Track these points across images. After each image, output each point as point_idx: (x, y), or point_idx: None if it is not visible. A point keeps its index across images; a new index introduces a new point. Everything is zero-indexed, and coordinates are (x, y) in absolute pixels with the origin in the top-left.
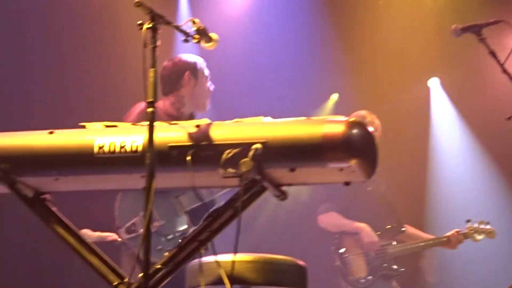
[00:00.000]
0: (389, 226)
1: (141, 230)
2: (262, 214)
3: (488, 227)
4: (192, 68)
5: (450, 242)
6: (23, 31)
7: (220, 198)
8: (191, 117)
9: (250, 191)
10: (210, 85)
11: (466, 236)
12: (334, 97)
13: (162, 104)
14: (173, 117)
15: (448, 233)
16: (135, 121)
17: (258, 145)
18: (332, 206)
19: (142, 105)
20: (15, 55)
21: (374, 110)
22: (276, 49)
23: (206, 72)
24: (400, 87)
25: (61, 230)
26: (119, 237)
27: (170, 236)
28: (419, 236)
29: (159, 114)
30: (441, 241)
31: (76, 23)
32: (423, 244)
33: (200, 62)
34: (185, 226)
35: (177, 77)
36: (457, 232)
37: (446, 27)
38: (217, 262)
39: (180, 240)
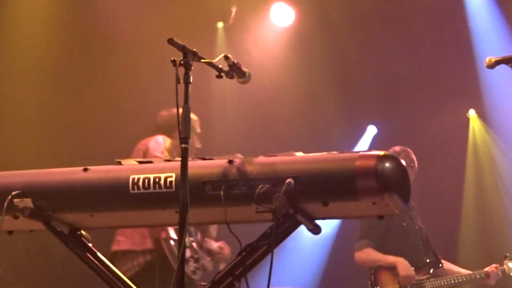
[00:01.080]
0: (428, 260)
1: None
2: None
3: None
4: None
5: (489, 278)
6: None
7: None
8: None
9: (283, 225)
10: (198, 144)
11: (504, 272)
12: (371, 129)
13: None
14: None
15: (487, 268)
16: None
17: (291, 180)
18: (368, 242)
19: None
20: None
21: (411, 143)
22: (315, 82)
23: (198, 130)
24: (439, 118)
25: (96, 265)
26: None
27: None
28: (457, 271)
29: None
30: (480, 276)
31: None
32: (461, 279)
33: (195, 120)
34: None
35: (171, 128)
36: (496, 267)
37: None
38: None
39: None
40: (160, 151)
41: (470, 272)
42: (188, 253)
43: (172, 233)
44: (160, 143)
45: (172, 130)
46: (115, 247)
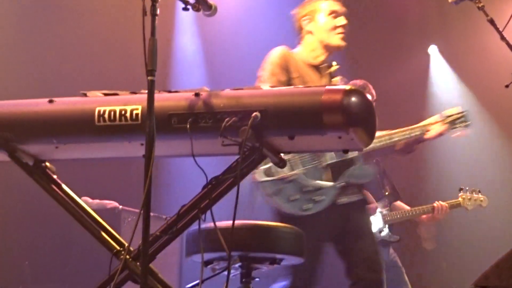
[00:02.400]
0: (387, 193)
1: (279, 175)
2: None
3: (480, 195)
4: (308, 13)
5: (433, 211)
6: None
7: (361, 156)
8: (329, 67)
9: (249, 159)
10: (335, 21)
11: (459, 204)
12: (334, 64)
13: (300, 52)
14: (311, 65)
15: (435, 203)
16: (278, 61)
17: (257, 113)
18: None
19: (276, 48)
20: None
21: (371, 79)
22: (276, 17)
23: (328, 8)
24: (399, 55)
25: (61, 197)
26: (255, 177)
27: (307, 189)
28: (406, 208)
29: (298, 63)
30: (428, 210)
31: None
32: (412, 213)
33: (319, 2)
34: (323, 182)
35: (298, 26)
36: (441, 203)
37: None
38: (216, 229)
39: (317, 195)
40: (265, 67)
41: (419, 207)
42: None
43: None
44: (268, 57)
45: (299, 27)
46: None
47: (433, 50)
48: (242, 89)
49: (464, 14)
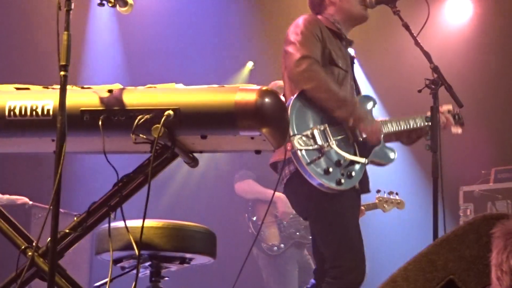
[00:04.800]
0: None
1: (319, 143)
2: (174, 180)
3: (397, 197)
4: None
5: None
6: None
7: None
8: (350, 41)
9: (161, 157)
10: None
11: (376, 206)
12: (249, 65)
13: (325, 20)
14: (337, 35)
15: None
16: (309, 31)
17: (170, 112)
18: (249, 173)
19: (309, 16)
20: None
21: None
22: (191, 16)
23: None
24: None
25: None
26: (290, 145)
27: (342, 161)
28: None
29: (326, 29)
30: None
31: None
32: None
33: None
34: (353, 155)
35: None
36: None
37: None
38: (126, 228)
39: (350, 170)
40: (295, 34)
41: None
42: None
43: None
44: (298, 24)
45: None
46: None
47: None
48: (155, 87)
49: (381, 17)
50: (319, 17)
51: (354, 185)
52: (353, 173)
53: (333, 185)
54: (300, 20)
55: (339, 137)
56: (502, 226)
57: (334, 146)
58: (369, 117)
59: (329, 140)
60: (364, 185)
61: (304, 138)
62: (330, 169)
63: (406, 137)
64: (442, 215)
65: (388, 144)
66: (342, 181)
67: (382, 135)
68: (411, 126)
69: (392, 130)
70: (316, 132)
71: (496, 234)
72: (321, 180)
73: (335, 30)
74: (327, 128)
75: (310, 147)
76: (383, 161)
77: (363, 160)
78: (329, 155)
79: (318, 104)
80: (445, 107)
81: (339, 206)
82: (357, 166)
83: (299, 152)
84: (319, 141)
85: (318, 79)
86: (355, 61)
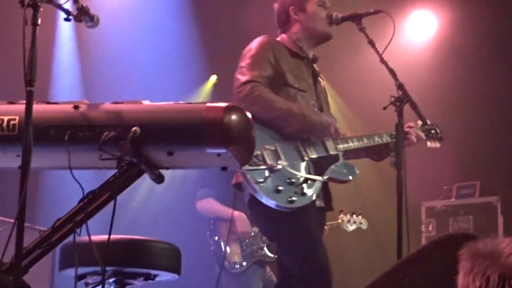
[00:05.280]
0: None
1: (268, 163)
2: (137, 195)
3: (360, 218)
4: (296, 2)
5: None
6: None
7: (344, 154)
8: (314, 59)
9: (127, 173)
10: (325, 11)
11: (339, 226)
12: (213, 79)
13: (287, 42)
14: (296, 54)
15: None
16: (260, 53)
17: (137, 128)
18: (210, 192)
19: (264, 37)
20: None
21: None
22: (155, 31)
23: None
24: None
25: None
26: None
27: (291, 180)
28: None
29: (285, 54)
30: None
31: None
32: None
33: None
34: (306, 173)
35: (285, 16)
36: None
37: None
38: (91, 244)
39: (303, 188)
40: (246, 58)
41: None
42: None
43: None
44: (251, 48)
45: (287, 17)
46: None
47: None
48: (122, 103)
49: (347, 34)
50: (282, 36)
51: (308, 202)
52: (306, 191)
53: (284, 203)
54: (254, 43)
55: (292, 156)
56: (469, 247)
57: (285, 165)
58: (323, 117)
59: (280, 160)
60: (327, 203)
61: (254, 159)
62: (280, 188)
63: (376, 154)
64: (407, 232)
65: (350, 161)
66: (294, 198)
67: (333, 129)
68: (375, 142)
69: (354, 146)
70: (266, 153)
71: (463, 255)
72: (271, 199)
73: (295, 50)
74: (278, 148)
75: (259, 167)
76: (342, 178)
77: (317, 177)
78: (280, 174)
79: (267, 125)
80: (420, 122)
81: (300, 224)
82: (311, 184)
83: (247, 172)
84: (269, 161)
85: (260, 102)
86: (321, 77)
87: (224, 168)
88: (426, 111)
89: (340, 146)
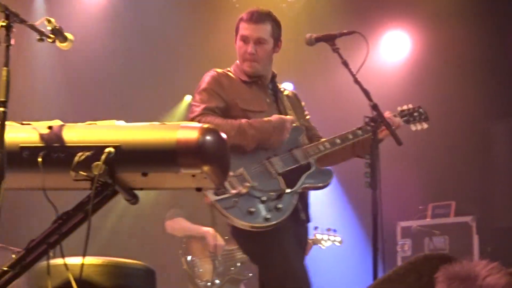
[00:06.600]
0: None
1: (232, 191)
2: (111, 216)
3: (335, 234)
4: (235, 30)
5: None
6: None
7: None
8: (272, 77)
9: (101, 194)
10: (244, 47)
11: (314, 242)
12: (187, 98)
13: (235, 68)
14: (244, 82)
15: None
16: (209, 87)
17: (111, 149)
18: (179, 212)
19: (212, 72)
20: None
21: None
22: (131, 49)
23: (240, 31)
24: None
25: None
26: (207, 199)
27: (264, 198)
28: None
29: (234, 83)
30: None
31: None
32: None
33: (239, 21)
34: (279, 188)
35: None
36: None
37: (302, 34)
38: (65, 265)
39: (277, 203)
40: (197, 92)
41: None
42: None
43: None
44: (203, 81)
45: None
46: None
47: (288, 87)
48: (96, 123)
49: (321, 54)
50: (236, 63)
51: (286, 217)
52: (281, 206)
53: (260, 223)
54: (205, 77)
55: (260, 175)
56: (446, 270)
57: (255, 186)
58: (271, 118)
59: (247, 182)
60: (307, 214)
61: (217, 189)
62: (252, 209)
63: (361, 150)
64: (381, 252)
65: (324, 168)
66: (269, 216)
67: (290, 123)
68: (350, 140)
69: (326, 150)
70: (230, 180)
71: (439, 278)
72: (245, 221)
73: (242, 78)
74: (244, 172)
75: (226, 195)
76: (317, 185)
77: (290, 190)
78: (250, 196)
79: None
80: (399, 108)
81: (276, 241)
82: (285, 198)
83: (215, 203)
84: (233, 189)
85: None
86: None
87: (198, 189)
88: (400, 130)
89: (311, 153)
